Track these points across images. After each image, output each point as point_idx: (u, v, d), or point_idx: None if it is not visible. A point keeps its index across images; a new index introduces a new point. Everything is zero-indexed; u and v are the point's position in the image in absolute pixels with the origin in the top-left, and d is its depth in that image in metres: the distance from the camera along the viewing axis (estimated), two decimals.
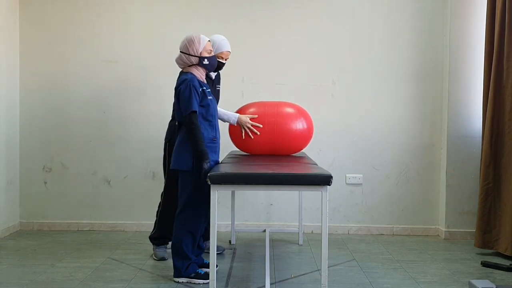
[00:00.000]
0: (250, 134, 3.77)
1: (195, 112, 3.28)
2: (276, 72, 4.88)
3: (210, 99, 3.43)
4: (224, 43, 3.82)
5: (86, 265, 3.79)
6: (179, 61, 3.45)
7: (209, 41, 3.45)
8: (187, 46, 3.39)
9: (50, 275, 3.55)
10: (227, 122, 3.81)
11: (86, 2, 4.89)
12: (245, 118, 3.78)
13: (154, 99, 4.78)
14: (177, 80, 3.43)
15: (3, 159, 4.63)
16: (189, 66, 3.42)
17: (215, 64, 3.50)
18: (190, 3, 4.90)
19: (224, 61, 3.83)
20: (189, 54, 3.39)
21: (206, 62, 3.41)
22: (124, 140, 4.86)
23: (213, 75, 3.86)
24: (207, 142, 3.35)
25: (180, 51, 3.43)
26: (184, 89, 3.29)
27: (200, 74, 3.42)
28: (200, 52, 3.39)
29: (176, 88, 3.38)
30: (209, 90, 3.49)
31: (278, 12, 4.88)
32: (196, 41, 3.39)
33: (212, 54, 3.46)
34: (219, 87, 4.02)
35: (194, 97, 3.28)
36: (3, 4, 4.62)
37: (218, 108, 3.68)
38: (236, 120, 3.77)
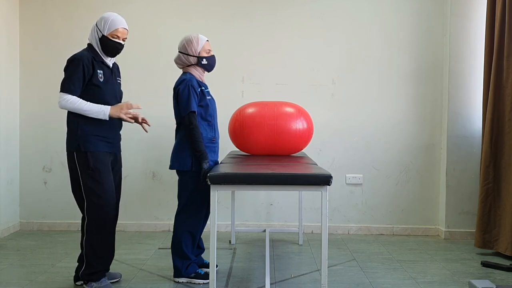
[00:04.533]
0: (129, 120, 3.21)
1: (194, 112, 3.28)
2: (276, 72, 4.88)
3: (209, 99, 3.42)
4: (118, 19, 3.22)
5: None
6: (177, 61, 3.45)
7: (207, 40, 3.44)
8: (185, 46, 3.39)
9: (50, 275, 3.55)
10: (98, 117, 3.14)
11: (86, 2, 4.89)
12: (117, 112, 3.14)
13: (154, 99, 4.77)
14: (177, 80, 3.43)
15: (3, 159, 4.63)
16: (188, 66, 3.42)
17: (214, 64, 3.49)
18: (190, 3, 4.90)
19: (121, 42, 3.22)
20: (188, 54, 3.39)
21: (204, 62, 3.41)
22: (124, 140, 4.83)
23: (110, 62, 3.26)
24: (206, 142, 3.35)
25: (179, 51, 3.43)
26: (183, 89, 3.29)
27: (199, 74, 3.42)
28: (199, 52, 3.39)
29: (174, 88, 3.38)
30: (208, 90, 3.49)
31: (278, 12, 4.88)
32: (194, 41, 3.39)
33: (211, 54, 3.46)
34: (120, 80, 3.40)
35: (193, 97, 3.28)
36: (3, 4, 4.62)
37: (91, 104, 3.11)
38: (107, 114, 3.12)
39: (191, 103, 3.26)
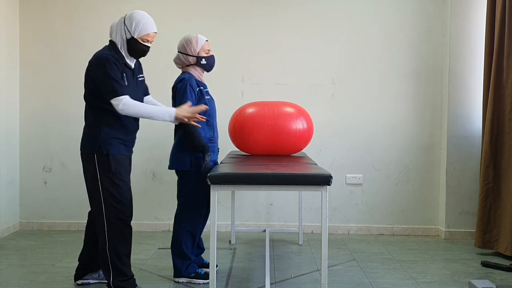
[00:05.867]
0: (194, 123, 3.17)
1: None
2: (276, 72, 4.88)
3: (208, 98, 3.42)
4: (150, 22, 3.07)
5: None
6: (177, 61, 3.46)
7: (206, 40, 3.44)
8: (184, 46, 3.40)
9: (50, 275, 3.55)
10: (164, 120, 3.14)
11: (86, 2, 4.89)
12: (183, 114, 3.09)
13: (154, 99, 4.77)
14: (176, 80, 3.43)
15: (3, 159, 4.63)
16: (187, 66, 3.42)
17: (213, 64, 3.49)
18: (190, 3, 4.90)
19: (149, 45, 3.11)
20: (187, 54, 3.39)
21: (203, 62, 3.41)
22: None
23: (132, 64, 3.13)
24: (207, 142, 3.35)
25: (178, 51, 3.43)
26: (180, 87, 3.29)
27: (198, 74, 3.42)
28: (198, 52, 3.39)
29: (173, 88, 3.38)
30: (207, 90, 3.49)
31: (278, 12, 4.88)
32: (193, 41, 3.39)
33: (210, 53, 3.45)
34: (142, 77, 3.29)
35: (190, 95, 3.28)
36: (3, 4, 4.62)
37: (154, 106, 3.16)
38: (174, 116, 3.08)
39: (186, 101, 3.24)
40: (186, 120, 3.09)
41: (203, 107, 3.19)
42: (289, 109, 3.95)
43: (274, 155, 3.95)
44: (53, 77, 4.90)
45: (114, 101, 2.94)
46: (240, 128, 3.89)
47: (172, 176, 3.54)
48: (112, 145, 3.02)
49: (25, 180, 4.92)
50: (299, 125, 3.88)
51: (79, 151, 3.12)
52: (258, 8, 4.88)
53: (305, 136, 3.95)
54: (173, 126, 3.48)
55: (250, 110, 3.95)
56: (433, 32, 4.85)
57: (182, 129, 3.31)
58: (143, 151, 4.84)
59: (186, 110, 3.11)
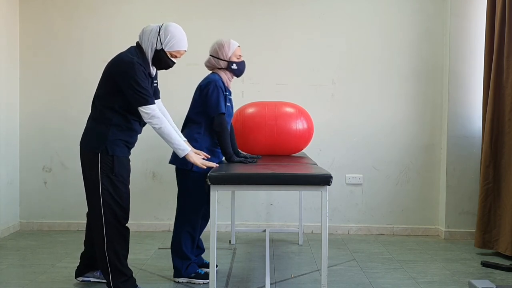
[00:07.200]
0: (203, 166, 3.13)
1: (223, 114, 3.33)
2: (276, 72, 4.88)
3: (228, 105, 3.45)
4: (184, 39, 3.10)
5: None
6: (207, 64, 3.50)
7: (238, 46, 3.48)
8: (216, 50, 3.44)
9: (50, 275, 3.55)
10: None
11: (86, 2, 4.89)
12: (197, 157, 3.11)
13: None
14: (204, 79, 3.45)
15: (3, 159, 4.63)
16: (218, 69, 3.46)
17: (243, 69, 3.51)
18: (190, 3, 4.90)
19: (175, 61, 3.11)
20: (218, 58, 3.43)
21: (234, 67, 3.44)
22: None
23: (153, 72, 3.14)
24: (212, 146, 3.41)
25: (210, 55, 3.47)
26: (213, 90, 3.33)
27: (226, 78, 3.45)
28: (229, 57, 3.42)
29: (202, 87, 3.39)
30: (231, 97, 3.53)
31: (278, 12, 4.88)
32: (226, 45, 3.43)
33: (241, 59, 3.48)
34: (156, 83, 3.26)
35: (222, 98, 3.33)
36: (3, 4, 4.62)
37: (176, 135, 3.12)
38: (183, 155, 3.08)
39: (220, 105, 3.31)
40: (193, 163, 3.11)
41: (214, 165, 3.16)
42: (289, 109, 3.95)
43: (274, 155, 3.95)
44: (53, 77, 4.90)
45: (143, 109, 2.96)
46: (240, 128, 3.90)
47: (172, 176, 3.54)
48: (119, 146, 3.02)
49: (25, 180, 4.92)
50: (299, 125, 3.89)
51: (79, 147, 3.10)
52: (258, 8, 4.88)
53: (305, 136, 3.95)
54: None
55: (250, 110, 3.95)
56: (433, 32, 4.85)
57: (189, 127, 3.39)
58: (143, 151, 4.84)
59: (199, 160, 3.11)
